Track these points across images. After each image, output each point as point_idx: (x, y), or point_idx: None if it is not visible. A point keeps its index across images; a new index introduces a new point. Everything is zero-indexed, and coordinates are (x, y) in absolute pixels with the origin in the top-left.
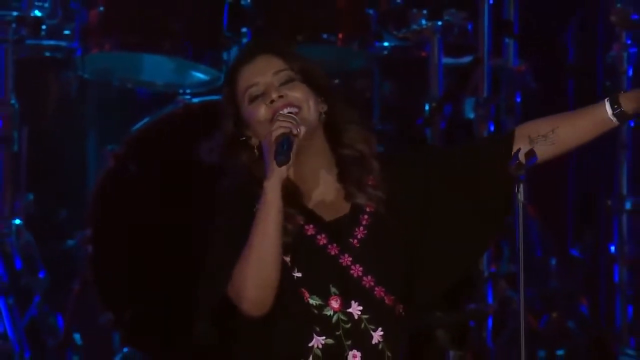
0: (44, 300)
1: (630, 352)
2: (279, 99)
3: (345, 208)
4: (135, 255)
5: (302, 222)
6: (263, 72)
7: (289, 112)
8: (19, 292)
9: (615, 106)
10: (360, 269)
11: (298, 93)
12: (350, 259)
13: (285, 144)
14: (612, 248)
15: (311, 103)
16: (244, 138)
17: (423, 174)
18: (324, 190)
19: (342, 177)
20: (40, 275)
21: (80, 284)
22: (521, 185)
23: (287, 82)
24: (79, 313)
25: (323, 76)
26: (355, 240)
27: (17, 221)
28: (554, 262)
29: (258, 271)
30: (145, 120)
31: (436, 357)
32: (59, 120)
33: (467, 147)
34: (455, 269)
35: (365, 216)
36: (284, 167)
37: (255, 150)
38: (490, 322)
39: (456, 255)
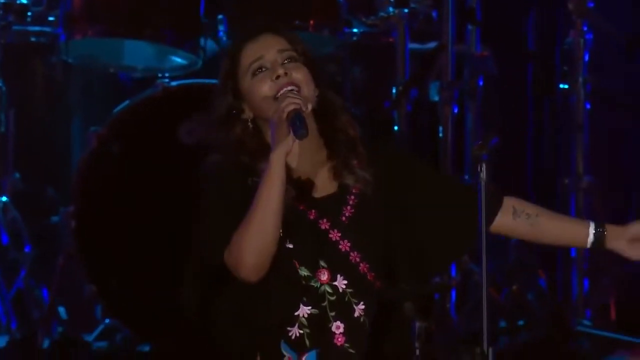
0: (29, 274)
1: (586, 322)
2: (284, 76)
3: (332, 187)
4: (117, 230)
5: (293, 197)
6: (268, 48)
7: (291, 90)
8: (6, 266)
9: (599, 229)
10: (348, 244)
11: (300, 74)
12: (339, 234)
13: (300, 119)
14: None
15: (310, 85)
16: (235, 112)
17: (409, 172)
18: (313, 170)
19: (331, 159)
20: (26, 250)
21: (64, 258)
22: (483, 165)
23: (291, 61)
24: (63, 286)
25: (318, 63)
26: (344, 217)
27: (4, 198)
28: None
29: (259, 238)
30: (127, 102)
31: (403, 328)
32: (45, 103)
33: (457, 183)
34: (432, 266)
35: (352, 196)
36: (290, 141)
37: (249, 124)
38: (453, 294)
39: (434, 252)
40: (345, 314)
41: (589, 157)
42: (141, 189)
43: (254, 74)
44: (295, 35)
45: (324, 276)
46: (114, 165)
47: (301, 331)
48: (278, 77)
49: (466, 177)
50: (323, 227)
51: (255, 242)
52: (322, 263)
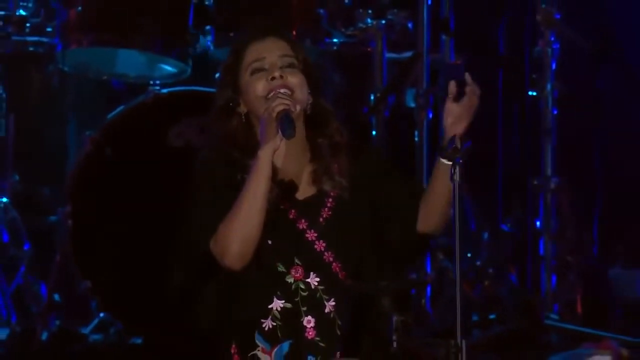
0: (28, 270)
1: (554, 316)
2: (279, 79)
3: (312, 190)
4: (111, 229)
5: (277, 196)
6: (271, 51)
7: (284, 92)
8: (6, 263)
9: (440, 152)
10: (324, 244)
11: (295, 79)
12: (316, 234)
13: (288, 119)
14: (538, 223)
15: (304, 90)
16: (232, 104)
17: (378, 172)
18: (297, 171)
19: (313, 163)
20: (25, 248)
21: (61, 255)
22: (457, 167)
23: (290, 66)
24: (60, 281)
25: (316, 73)
26: (322, 219)
27: (4, 199)
28: (486, 236)
29: (244, 228)
30: (120, 108)
31: (381, 322)
32: (42, 109)
33: (408, 184)
34: (395, 261)
35: (330, 199)
36: (277, 140)
37: (243, 117)
38: (429, 290)
39: (396, 248)
40: (316, 309)
41: (556, 159)
42: (133, 190)
43: (252, 73)
44: (299, 43)
45: (298, 273)
46: (107, 167)
47: (274, 324)
48: (273, 78)
49: None
50: (301, 227)
51: (241, 231)
52: (297, 260)
